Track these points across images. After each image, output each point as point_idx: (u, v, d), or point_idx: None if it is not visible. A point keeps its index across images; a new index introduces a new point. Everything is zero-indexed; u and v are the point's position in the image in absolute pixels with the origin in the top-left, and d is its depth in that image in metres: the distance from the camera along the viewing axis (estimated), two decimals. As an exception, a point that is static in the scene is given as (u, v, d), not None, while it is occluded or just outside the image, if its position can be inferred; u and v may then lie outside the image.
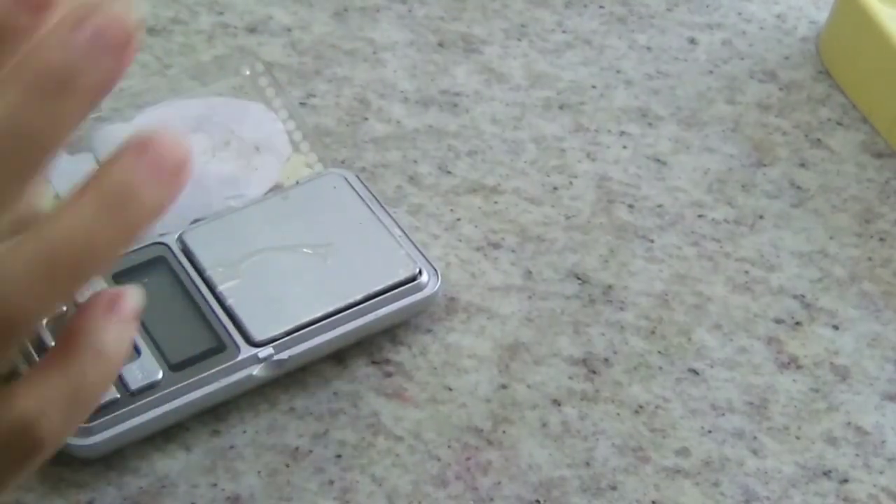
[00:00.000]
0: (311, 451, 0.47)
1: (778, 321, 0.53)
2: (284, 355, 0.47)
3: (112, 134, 0.54)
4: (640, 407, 0.49)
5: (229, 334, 0.47)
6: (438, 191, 0.56)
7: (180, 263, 0.49)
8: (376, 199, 0.52)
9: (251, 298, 0.48)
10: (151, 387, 0.46)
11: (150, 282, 0.49)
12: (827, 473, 0.48)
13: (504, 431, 0.48)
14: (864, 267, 0.55)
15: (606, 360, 0.51)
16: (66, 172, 0.52)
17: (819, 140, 0.61)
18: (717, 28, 0.66)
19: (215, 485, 0.46)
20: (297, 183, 0.53)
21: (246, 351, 0.47)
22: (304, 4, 0.65)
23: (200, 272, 0.49)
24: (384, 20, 0.65)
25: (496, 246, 0.55)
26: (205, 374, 0.46)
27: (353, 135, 0.58)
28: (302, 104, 0.59)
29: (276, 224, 0.51)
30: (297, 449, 0.47)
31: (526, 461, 0.47)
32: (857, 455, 0.49)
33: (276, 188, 0.53)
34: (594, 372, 0.50)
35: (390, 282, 0.49)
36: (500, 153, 0.59)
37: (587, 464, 0.47)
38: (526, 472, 0.47)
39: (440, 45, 0.64)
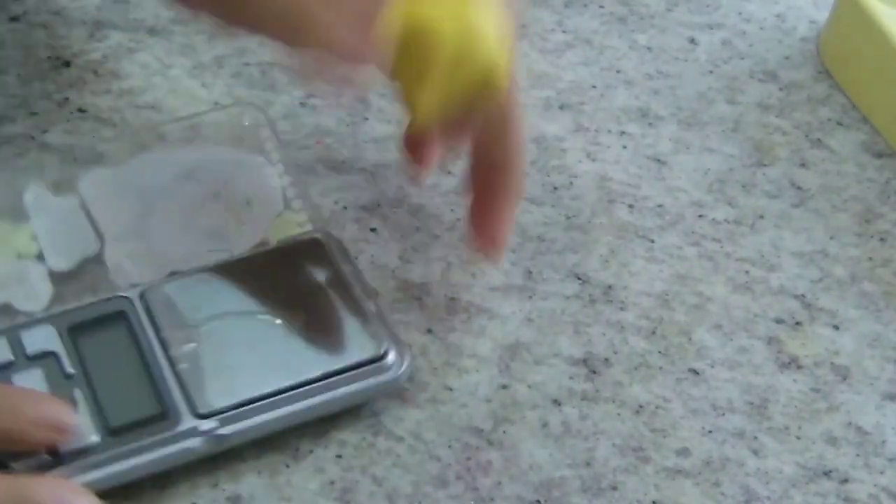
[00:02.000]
0: (311, 451, 0.47)
1: (778, 321, 0.53)
2: (227, 430, 0.45)
3: (100, 177, 0.53)
4: (641, 407, 0.49)
5: (174, 402, 0.45)
6: (438, 191, 0.56)
7: (140, 320, 0.47)
8: (356, 268, 0.51)
9: (204, 365, 0.46)
10: (85, 451, 0.44)
11: (106, 337, 0.47)
12: (827, 473, 0.48)
13: (504, 431, 0.48)
14: (864, 267, 0.55)
15: (607, 360, 0.51)
16: (51, 213, 0.52)
17: (819, 140, 0.61)
18: (718, 28, 0.66)
19: (216, 485, 0.46)
20: (278, 242, 0.51)
21: (188, 422, 0.45)
22: None
23: (157, 332, 0.47)
24: (384, 20, 0.65)
25: (496, 246, 0.55)
26: (142, 442, 0.44)
27: (354, 135, 0.58)
28: (302, 104, 0.59)
29: (246, 286, 0.49)
30: (297, 449, 0.47)
31: (526, 461, 0.47)
32: (858, 455, 0.49)
33: (262, 244, 0.51)
34: (594, 372, 0.50)
35: (352, 360, 0.47)
36: (501, 153, 0.59)
37: (588, 464, 0.47)
38: (526, 472, 0.47)
39: (440, 45, 0.64)
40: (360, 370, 0.47)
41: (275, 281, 0.49)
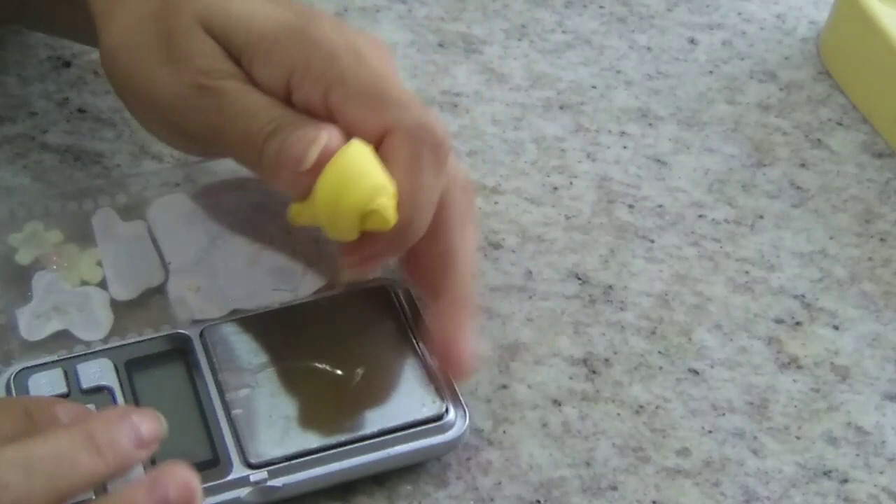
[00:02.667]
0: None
1: (778, 321, 0.53)
2: (279, 482, 0.44)
3: (168, 204, 0.52)
4: (641, 407, 0.49)
5: (226, 448, 0.44)
6: (439, 191, 0.56)
7: (198, 360, 0.46)
8: (423, 321, 0.48)
9: (259, 412, 0.45)
10: None
11: (162, 375, 0.46)
12: (827, 473, 0.48)
13: (504, 431, 0.48)
14: (864, 267, 0.55)
15: (607, 360, 0.51)
16: (118, 239, 0.51)
17: (819, 140, 0.61)
18: (718, 28, 0.66)
19: (216, 485, 0.45)
20: (345, 288, 0.50)
21: (238, 471, 0.44)
22: (304, 4, 0.65)
23: (215, 374, 0.46)
24: (384, 20, 0.65)
25: (496, 246, 0.55)
26: None
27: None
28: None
29: (308, 332, 0.48)
30: (297, 449, 0.47)
31: (526, 461, 0.47)
32: (858, 455, 0.49)
33: (327, 287, 0.50)
34: (594, 372, 0.50)
35: (412, 418, 0.45)
36: (501, 153, 0.59)
37: (588, 464, 0.47)
38: (526, 472, 0.47)
39: (440, 45, 0.64)
40: (420, 428, 0.46)
41: (338, 328, 0.48)
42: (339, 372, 0.47)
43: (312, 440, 0.45)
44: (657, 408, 0.49)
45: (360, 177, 0.43)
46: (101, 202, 0.52)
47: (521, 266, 0.54)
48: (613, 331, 0.52)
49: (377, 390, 0.46)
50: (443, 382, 0.47)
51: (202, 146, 0.49)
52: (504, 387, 0.50)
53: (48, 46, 0.61)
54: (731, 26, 0.67)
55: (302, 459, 0.44)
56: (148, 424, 0.39)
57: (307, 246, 0.51)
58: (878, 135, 0.61)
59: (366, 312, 0.49)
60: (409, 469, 0.47)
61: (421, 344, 0.48)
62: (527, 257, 0.54)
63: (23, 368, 0.46)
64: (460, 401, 0.47)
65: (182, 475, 0.38)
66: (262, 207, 0.52)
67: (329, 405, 0.46)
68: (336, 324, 0.48)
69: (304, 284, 0.50)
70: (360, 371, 0.47)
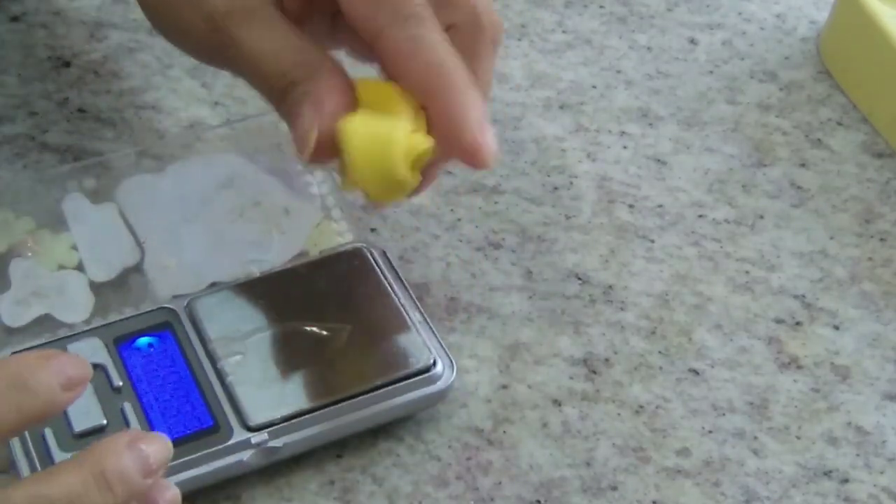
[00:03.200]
0: (311, 452, 0.47)
1: (778, 321, 0.53)
2: (279, 442, 0.45)
3: (137, 185, 0.53)
4: (641, 407, 0.49)
5: (225, 415, 0.45)
6: (439, 191, 0.56)
7: (186, 332, 0.47)
8: (401, 279, 0.50)
9: (252, 377, 0.46)
10: None
11: (153, 348, 0.47)
12: (827, 473, 0.48)
13: (504, 431, 0.48)
14: (864, 267, 0.55)
15: (607, 360, 0.51)
16: (90, 222, 0.51)
17: (819, 140, 0.61)
18: (718, 28, 0.66)
19: (216, 485, 0.45)
20: (320, 253, 0.51)
21: (239, 435, 0.45)
22: None
23: (205, 343, 0.47)
24: (384, 20, 0.65)
25: (497, 246, 0.55)
26: (193, 455, 0.44)
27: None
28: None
29: (290, 297, 0.49)
30: (297, 449, 0.47)
31: (526, 461, 0.47)
32: (858, 455, 0.49)
33: (301, 255, 0.51)
34: (595, 372, 0.50)
35: (402, 372, 0.47)
36: (501, 153, 0.59)
37: (588, 464, 0.47)
38: (526, 472, 0.47)
39: (440, 45, 0.64)
40: (410, 381, 0.47)
41: (321, 291, 0.49)
42: (326, 333, 0.47)
43: (308, 400, 0.45)
44: (657, 408, 0.49)
45: (383, 143, 0.42)
46: (70, 187, 0.52)
47: (521, 266, 0.54)
48: (613, 331, 0.52)
49: (365, 347, 0.47)
50: (429, 337, 0.48)
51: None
52: (504, 387, 0.50)
53: (48, 46, 0.61)
54: (731, 26, 0.67)
55: (299, 419, 0.45)
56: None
57: (277, 216, 0.52)
58: (879, 135, 0.61)
59: (346, 275, 0.50)
60: (409, 469, 0.47)
61: (402, 301, 0.49)
62: (527, 257, 0.54)
63: (12, 353, 0.46)
64: (446, 352, 0.48)
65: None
66: (229, 183, 0.53)
67: (320, 365, 0.47)
68: (318, 287, 0.49)
69: (277, 253, 0.51)
70: (347, 330, 0.48)
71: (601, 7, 0.67)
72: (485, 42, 0.46)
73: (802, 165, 0.60)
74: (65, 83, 0.59)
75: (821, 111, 0.62)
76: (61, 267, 0.50)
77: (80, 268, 0.50)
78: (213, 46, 0.46)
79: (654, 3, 0.67)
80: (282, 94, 0.44)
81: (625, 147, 0.60)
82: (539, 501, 0.46)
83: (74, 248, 0.51)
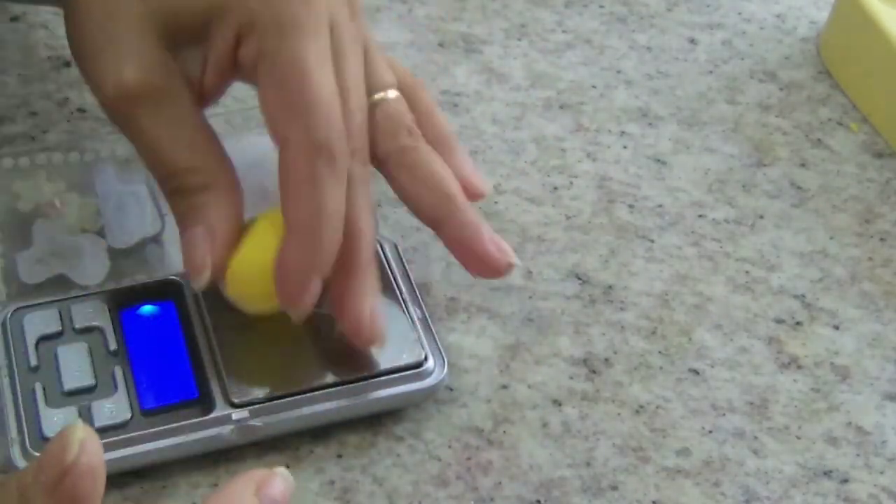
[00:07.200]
0: (311, 451, 0.47)
1: (778, 321, 0.53)
2: (259, 421, 0.45)
3: None
4: (641, 407, 0.49)
5: (210, 388, 0.45)
6: (439, 191, 0.56)
7: (189, 304, 0.48)
8: (408, 274, 0.50)
9: (246, 355, 0.46)
10: (116, 427, 0.44)
11: (154, 316, 0.47)
12: (827, 473, 0.48)
13: (504, 431, 0.48)
14: (864, 267, 0.55)
15: (607, 360, 0.51)
16: (118, 190, 0.52)
17: (819, 140, 0.61)
18: (718, 28, 0.66)
19: (216, 485, 0.46)
20: None
21: (221, 409, 0.45)
22: None
23: (203, 317, 0.47)
24: (384, 20, 0.65)
25: (496, 246, 0.55)
26: (173, 424, 0.44)
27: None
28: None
29: None
30: (297, 449, 0.47)
31: (526, 461, 0.47)
32: (858, 455, 0.49)
33: None
34: (595, 372, 0.50)
35: (392, 365, 0.47)
36: (501, 153, 0.59)
37: (588, 464, 0.48)
38: (526, 472, 0.47)
39: (440, 45, 0.64)
40: (399, 375, 0.47)
41: (325, 279, 0.49)
42: (324, 319, 0.47)
43: (295, 383, 0.46)
44: (657, 408, 0.49)
45: (266, 278, 0.45)
46: (103, 153, 0.54)
47: (521, 266, 0.54)
48: (613, 331, 0.52)
49: None
50: (425, 333, 0.48)
51: None
52: (504, 387, 0.50)
53: (48, 46, 0.61)
54: (731, 26, 0.67)
55: (282, 401, 0.45)
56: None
57: None
58: (878, 135, 0.61)
59: None
60: (409, 469, 0.47)
61: (404, 295, 0.49)
62: (527, 257, 0.54)
63: (18, 308, 0.47)
64: (440, 350, 0.48)
65: None
66: (259, 163, 0.52)
67: (314, 350, 0.47)
68: None
69: None
70: None
71: (601, 7, 0.67)
72: (320, 174, 0.44)
73: (802, 165, 0.60)
74: (65, 83, 0.59)
75: (821, 111, 0.62)
76: (83, 230, 0.51)
77: (100, 233, 0.51)
78: (117, 113, 0.45)
79: (654, 3, 0.67)
80: (171, 191, 0.45)
81: (625, 147, 0.60)
82: (539, 501, 0.46)
83: (99, 213, 0.52)
